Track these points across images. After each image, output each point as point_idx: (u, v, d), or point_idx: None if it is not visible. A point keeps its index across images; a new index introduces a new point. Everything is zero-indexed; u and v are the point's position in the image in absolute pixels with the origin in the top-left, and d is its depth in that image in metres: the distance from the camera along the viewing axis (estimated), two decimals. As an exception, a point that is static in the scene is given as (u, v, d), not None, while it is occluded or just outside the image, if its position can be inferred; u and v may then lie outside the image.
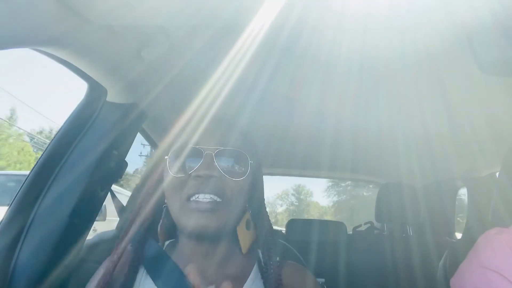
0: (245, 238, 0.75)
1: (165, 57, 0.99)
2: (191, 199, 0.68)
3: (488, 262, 0.74)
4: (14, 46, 0.69)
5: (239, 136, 0.74)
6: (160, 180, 0.75)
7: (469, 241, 0.91)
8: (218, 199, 0.68)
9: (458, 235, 2.29)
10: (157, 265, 0.72)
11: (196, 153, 0.70)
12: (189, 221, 0.68)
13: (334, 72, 1.06)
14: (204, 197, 0.67)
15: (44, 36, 0.73)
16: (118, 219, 1.34)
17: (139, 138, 1.38)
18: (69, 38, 0.77)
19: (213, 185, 0.68)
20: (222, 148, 0.70)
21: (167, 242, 0.79)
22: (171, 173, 0.70)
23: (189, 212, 0.68)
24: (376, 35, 0.83)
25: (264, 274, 0.73)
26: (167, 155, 0.72)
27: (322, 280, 2.01)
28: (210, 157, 0.69)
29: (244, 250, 0.75)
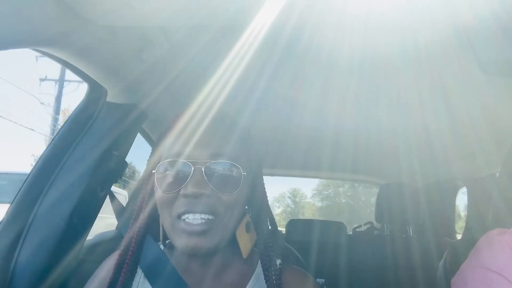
0: (245, 242, 0.72)
1: (165, 58, 0.99)
2: (182, 218, 0.64)
3: (489, 263, 0.74)
4: (14, 47, 0.69)
5: (233, 144, 0.69)
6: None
7: (469, 241, 0.91)
8: (210, 217, 0.64)
9: (458, 236, 2.29)
10: (155, 268, 0.72)
11: (184, 167, 0.65)
12: (180, 242, 0.64)
13: (334, 73, 1.06)
14: (194, 217, 0.63)
15: (44, 37, 0.72)
16: (106, 216, 1.32)
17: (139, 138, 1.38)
18: (70, 38, 0.77)
19: (204, 204, 0.64)
20: (213, 161, 0.65)
21: (166, 242, 0.78)
22: (159, 189, 0.66)
23: (180, 232, 0.64)
24: (377, 35, 0.83)
25: (265, 279, 0.71)
26: (154, 169, 0.67)
27: (322, 280, 2.01)
28: (199, 172, 0.64)
29: (244, 254, 0.72)
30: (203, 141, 0.67)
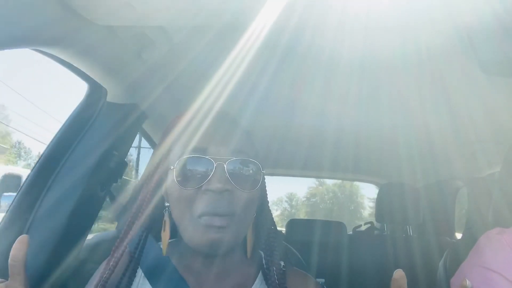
0: (250, 242, 0.72)
1: (165, 58, 0.99)
2: (204, 217, 0.63)
3: (489, 262, 0.74)
4: (14, 47, 0.69)
5: (250, 143, 0.70)
6: (160, 182, 0.71)
7: (469, 241, 0.91)
8: (231, 214, 0.64)
9: (458, 235, 2.29)
10: (156, 269, 0.71)
11: (206, 164, 0.64)
12: (200, 238, 0.63)
13: (335, 73, 1.06)
14: (215, 214, 0.63)
15: (44, 37, 0.72)
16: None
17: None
18: (70, 38, 0.77)
19: (226, 201, 0.63)
20: (234, 158, 0.65)
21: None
22: (179, 185, 0.65)
23: (200, 228, 0.63)
24: (378, 35, 0.82)
25: (268, 281, 0.70)
26: (173, 165, 0.66)
27: (322, 280, 2.01)
28: (221, 168, 0.63)
29: (248, 254, 0.72)
30: (222, 138, 0.67)
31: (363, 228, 2.52)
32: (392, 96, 1.25)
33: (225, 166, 0.64)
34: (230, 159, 0.65)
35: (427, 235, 2.19)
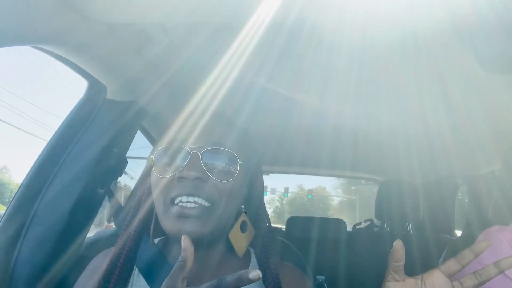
0: (240, 241, 0.72)
1: (164, 55, 0.99)
2: (175, 202, 0.65)
3: (488, 259, 0.74)
4: (13, 44, 0.69)
5: (231, 135, 0.71)
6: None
7: (469, 238, 0.92)
8: (207, 204, 0.65)
9: (458, 233, 2.29)
10: (151, 265, 0.71)
11: (181, 153, 0.66)
12: (173, 227, 0.64)
13: (333, 70, 1.06)
14: (187, 200, 0.64)
15: (43, 34, 0.72)
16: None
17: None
18: (68, 35, 0.77)
19: (201, 188, 0.64)
20: (210, 147, 0.66)
21: (157, 239, 0.78)
22: (156, 173, 0.67)
23: (173, 217, 0.64)
24: (377, 32, 0.82)
25: (262, 274, 0.71)
26: (153, 154, 0.69)
27: (322, 277, 2.01)
28: (196, 157, 0.65)
29: (240, 253, 0.73)
30: (202, 131, 0.68)
31: (363, 225, 2.53)
32: (391, 93, 1.25)
33: (200, 155, 0.65)
34: (205, 148, 0.66)
35: (427, 233, 2.19)
